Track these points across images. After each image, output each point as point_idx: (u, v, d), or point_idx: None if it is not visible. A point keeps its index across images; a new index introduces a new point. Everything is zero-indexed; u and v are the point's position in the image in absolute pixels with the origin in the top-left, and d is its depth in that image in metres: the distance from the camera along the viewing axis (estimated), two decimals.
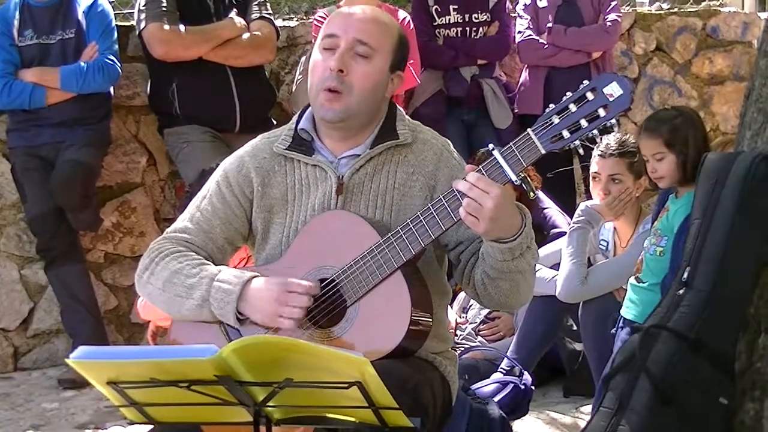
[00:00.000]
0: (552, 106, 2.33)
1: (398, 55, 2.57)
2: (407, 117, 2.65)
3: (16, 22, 4.82)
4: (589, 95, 2.30)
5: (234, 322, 2.44)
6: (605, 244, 4.30)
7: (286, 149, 2.58)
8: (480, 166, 2.33)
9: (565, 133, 2.31)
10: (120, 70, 4.95)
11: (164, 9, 4.86)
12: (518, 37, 5.46)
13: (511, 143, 2.33)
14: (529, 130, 2.32)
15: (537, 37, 5.39)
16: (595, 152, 4.13)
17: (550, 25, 5.37)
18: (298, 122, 2.62)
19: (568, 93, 2.32)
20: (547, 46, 5.37)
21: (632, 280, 3.77)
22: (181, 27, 4.87)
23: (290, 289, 2.40)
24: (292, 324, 2.40)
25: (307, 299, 2.39)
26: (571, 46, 5.35)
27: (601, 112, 2.30)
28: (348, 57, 2.49)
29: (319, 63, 2.53)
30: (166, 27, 4.83)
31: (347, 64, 2.49)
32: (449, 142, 2.65)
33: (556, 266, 4.25)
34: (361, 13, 2.57)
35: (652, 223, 3.79)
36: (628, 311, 3.74)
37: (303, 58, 5.17)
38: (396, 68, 2.57)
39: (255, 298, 2.42)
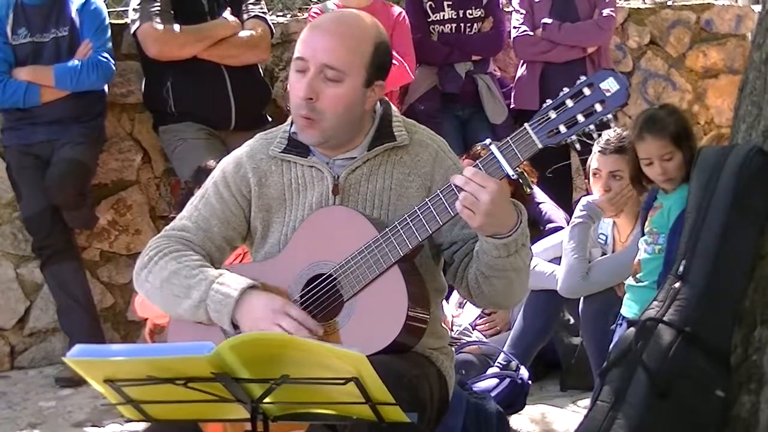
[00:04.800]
0: (549, 101, 2.33)
1: (374, 69, 2.49)
2: (402, 117, 2.64)
3: (9, 21, 4.80)
4: (586, 91, 2.31)
5: (228, 326, 2.43)
6: (604, 238, 4.30)
7: (281, 152, 2.58)
8: (477, 161, 2.34)
9: (562, 128, 2.31)
10: (114, 68, 4.94)
11: (158, 8, 4.85)
12: (513, 33, 5.45)
13: (508, 138, 2.33)
14: (526, 124, 2.32)
15: (532, 33, 5.39)
16: (595, 148, 4.11)
17: (545, 20, 5.36)
18: (291, 124, 2.61)
19: (564, 89, 2.33)
20: (541, 41, 5.36)
21: (630, 281, 3.76)
22: (176, 26, 4.85)
23: (291, 315, 2.38)
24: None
25: (296, 327, 2.36)
26: (566, 41, 5.34)
27: (598, 108, 2.30)
28: (317, 82, 2.44)
29: (293, 84, 2.50)
30: (160, 26, 4.82)
31: (317, 90, 2.44)
32: (445, 142, 2.64)
33: (553, 260, 4.25)
34: (329, 31, 2.47)
35: (642, 226, 3.77)
36: (628, 310, 3.74)
37: None
38: (373, 81, 2.50)
39: (250, 312, 2.40)
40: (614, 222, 4.26)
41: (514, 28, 5.44)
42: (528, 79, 5.40)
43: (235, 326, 2.42)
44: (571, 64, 5.27)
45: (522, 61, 5.53)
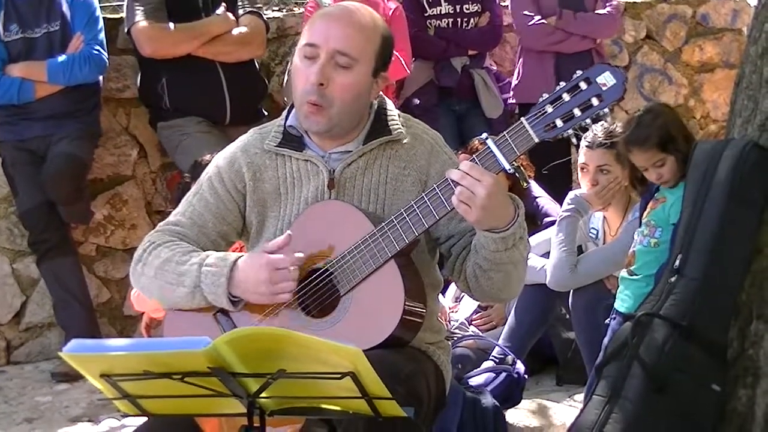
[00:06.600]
0: (545, 95, 2.33)
1: (381, 59, 2.53)
2: (397, 111, 2.64)
3: (0, 17, 4.79)
4: (583, 85, 2.31)
5: (228, 304, 2.43)
6: (595, 232, 4.31)
7: (276, 146, 2.58)
8: (473, 155, 2.34)
9: (559, 122, 2.31)
10: (107, 60, 4.92)
11: (152, 6, 4.84)
12: (524, 21, 5.33)
13: (504, 132, 2.33)
14: (522, 119, 2.33)
15: (546, 22, 5.30)
16: (583, 143, 4.12)
17: (560, 10, 5.30)
18: (286, 118, 2.61)
19: (561, 83, 2.33)
20: (557, 31, 5.31)
21: (624, 273, 3.76)
22: (170, 24, 4.85)
23: (277, 266, 2.38)
24: (290, 297, 2.40)
25: (295, 271, 2.38)
26: (580, 31, 5.30)
27: (594, 102, 2.31)
28: (329, 68, 2.46)
29: (300, 70, 2.50)
30: (154, 24, 4.81)
31: (328, 76, 2.45)
32: (440, 135, 2.64)
33: (547, 255, 4.25)
34: (341, 18, 2.50)
35: (641, 216, 3.78)
36: (621, 304, 3.74)
37: (295, 49, 5.15)
38: (379, 71, 2.54)
39: (245, 282, 2.41)
40: (604, 216, 4.28)
41: (524, 15, 5.35)
42: (538, 72, 5.30)
43: (234, 301, 2.43)
44: (581, 55, 5.25)
45: (520, 55, 5.48)
